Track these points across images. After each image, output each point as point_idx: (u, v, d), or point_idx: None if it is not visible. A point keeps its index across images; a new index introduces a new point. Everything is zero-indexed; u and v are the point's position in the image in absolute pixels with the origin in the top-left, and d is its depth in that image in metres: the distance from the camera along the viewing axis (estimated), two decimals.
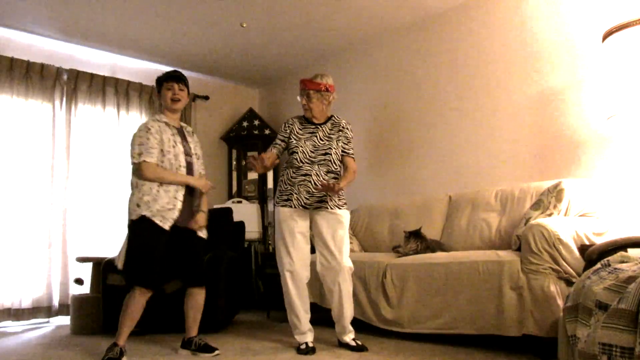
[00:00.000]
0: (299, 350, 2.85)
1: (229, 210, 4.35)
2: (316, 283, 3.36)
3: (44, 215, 4.44)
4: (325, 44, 4.96)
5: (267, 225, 5.65)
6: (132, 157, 2.81)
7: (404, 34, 4.59)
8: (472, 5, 4.05)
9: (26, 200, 4.36)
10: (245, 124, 5.69)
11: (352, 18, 4.40)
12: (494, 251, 2.89)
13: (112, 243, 4.68)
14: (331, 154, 3.02)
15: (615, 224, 2.82)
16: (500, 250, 2.95)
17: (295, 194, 2.98)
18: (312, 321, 3.03)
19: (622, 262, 1.86)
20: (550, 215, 2.78)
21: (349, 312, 2.99)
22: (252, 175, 5.85)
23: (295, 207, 2.97)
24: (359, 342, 2.93)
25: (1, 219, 4.23)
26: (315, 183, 2.97)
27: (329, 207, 2.97)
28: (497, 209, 3.39)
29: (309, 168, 2.99)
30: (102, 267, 3.78)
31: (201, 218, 2.96)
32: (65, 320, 4.31)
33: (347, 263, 2.97)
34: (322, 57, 5.26)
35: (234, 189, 5.83)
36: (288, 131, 3.08)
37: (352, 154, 3.09)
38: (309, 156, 3.00)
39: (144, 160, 2.76)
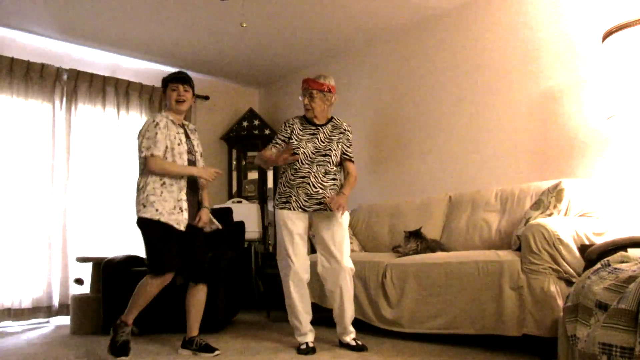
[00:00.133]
0: (299, 350, 2.85)
1: (229, 210, 4.35)
2: (316, 283, 3.36)
3: (44, 215, 4.43)
4: (325, 44, 4.96)
5: (267, 225, 5.66)
6: (140, 150, 2.83)
7: (404, 34, 4.59)
8: (472, 6, 4.05)
9: (26, 200, 4.36)
10: (245, 124, 5.69)
11: (353, 18, 4.39)
12: (494, 251, 2.89)
13: (112, 243, 4.69)
14: (330, 156, 3.02)
15: (615, 224, 2.82)
16: (500, 250, 2.95)
17: (294, 196, 2.98)
18: (313, 321, 3.03)
19: (622, 262, 1.86)
20: (550, 215, 2.78)
21: (350, 313, 2.99)
22: (252, 175, 5.85)
23: (294, 209, 2.98)
24: (360, 342, 2.93)
25: (1, 219, 4.23)
26: (314, 185, 2.97)
27: (328, 208, 2.98)
28: (497, 209, 3.39)
29: (307, 170, 2.99)
30: (102, 268, 3.78)
31: (205, 214, 2.99)
32: (65, 320, 4.31)
33: (348, 264, 2.97)
34: (322, 57, 5.26)
35: (234, 189, 5.83)
36: (289, 131, 3.07)
37: (353, 157, 3.12)
38: (309, 158, 3.00)
39: (152, 154, 2.79)
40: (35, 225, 4.39)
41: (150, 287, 2.77)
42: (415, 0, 4.09)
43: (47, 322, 4.37)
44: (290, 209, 2.98)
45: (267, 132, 5.65)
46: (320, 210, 2.99)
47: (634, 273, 1.64)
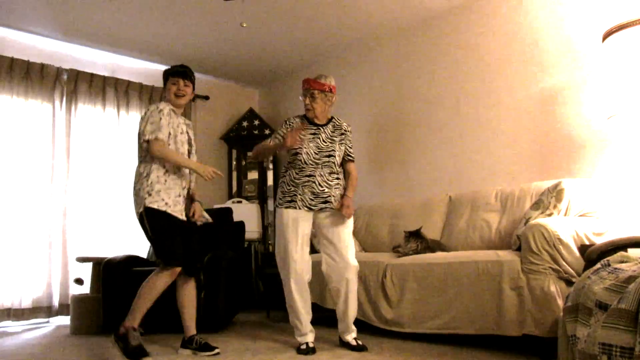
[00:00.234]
0: (299, 350, 2.85)
1: (229, 210, 4.35)
2: (316, 283, 3.36)
3: (44, 215, 4.44)
4: (325, 45, 4.96)
5: (267, 225, 5.66)
6: (144, 134, 2.80)
7: (403, 34, 4.59)
8: (473, 6, 4.05)
9: (26, 200, 4.36)
10: (245, 124, 5.69)
11: (353, 18, 4.40)
12: (494, 251, 2.89)
13: (112, 243, 4.69)
14: (335, 156, 3.03)
15: (615, 224, 2.82)
16: (500, 250, 2.95)
17: (300, 195, 2.96)
18: (313, 321, 3.03)
19: (622, 262, 1.86)
20: (550, 215, 2.78)
21: (353, 310, 2.99)
22: (252, 175, 5.85)
23: (299, 208, 2.96)
24: (360, 342, 2.93)
25: (1, 219, 4.24)
26: (320, 184, 2.97)
27: (333, 207, 2.98)
28: (497, 209, 3.39)
29: (313, 169, 2.98)
30: (102, 268, 3.78)
31: (198, 208, 3.04)
32: (65, 320, 4.31)
33: (353, 262, 2.97)
34: (322, 57, 5.26)
35: (234, 189, 5.83)
36: (290, 130, 3.04)
37: (354, 158, 3.16)
38: (313, 158, 2.99)
39: (156, 137, 2.78)
40: (35, 226, 4.39)
41: (160, 281, 2.74)
42: (415, 1, 4.09)
43: (47, 322, 4.37)
44: (295, 208, 2.96)
45: (267, 132, 5.64)
46: (326, 208, 2.99)
47: (634, 273, 1.64)
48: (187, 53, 5.08)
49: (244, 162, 5.87)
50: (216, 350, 2.85)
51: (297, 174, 2.99)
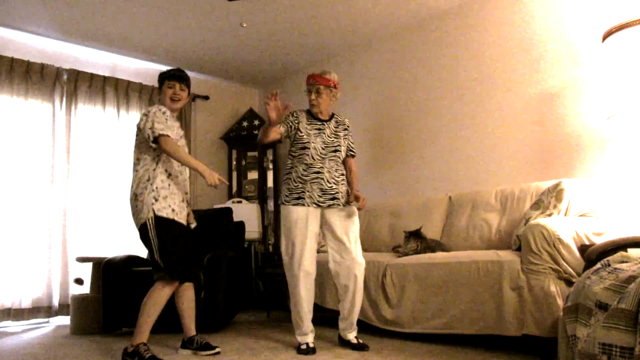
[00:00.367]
0: (300, 350, 2.85)
1: (229, 210, 4.35)
2: (316, 283, 3.35)
3: (44, 216, 4.44)
4: (325, 44, 4.96)
5: (267, 225, 5.66)
6: (152, 131, 2.73)
7: (404, 34, 4.60)
8: (473, 6, 4.05)
9: (26, 201, 4.36)
10: (245, 124, 5.69)
11: (353, 18, 4.40)
12: (494, 251, 2.89)
13: (112, 243, 4.69)
14: (341, 151, 3.05)
15: (615, 224, 2.82)
16: (500, 250, 2.95)
17: (308, 191, 2.95)
18: (312, 321, 3.03)
19: (622, 262, 1.86)
20: (550, 215, 2.78)
21: (358, 308, 3.00)
22: (252, 175, 5.85)
23: (308, 205, 2.94)
24: (361, 341, 2.93)
25: (1, 219, 4.24)
26: (328, 180, 2.98)
27: (341, 203, 2.99)
28: (497, 209, 3.39)
29: (320, 165, 2.98)
30: (102, 268, 3.78)
31: (191, 212, 3.03)
32: (65, 320, 4.31)
33: (361, 259, 2.98)
34: (322, 57, 5.26)
35: (234, 189, 5.83)
36: (296, 122, 3.02)
37: (355, 154, 3.20)
38: (320, 153, 2.99)
39: (167, 135, 2.74)
40: (35, 226, 4.39)
41: (163, 295, 2.71)
42: (415, 1, 4.09)
43: (47, 322, 4.37)
44: (304, 205, 2.94)
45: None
46: (334, 205, 2.99)
47: (634, 273, 1.64)
48: (187, 53, 5.09)
49: (244, 162, 5.87)
50: (217, 350, 2.85)
51: (304, 170, 2.98)
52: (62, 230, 4.51)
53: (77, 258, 4.19)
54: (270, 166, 5.85)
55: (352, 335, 2.97)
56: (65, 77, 4.71)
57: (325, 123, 3.07)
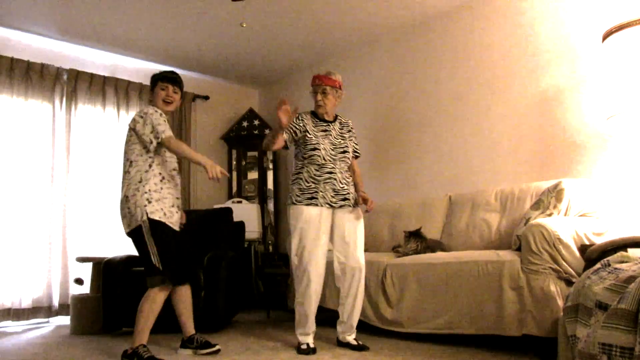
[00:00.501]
0: (300, 350, 2.84)
1: (229, 210, 4.35)
2: None
3: (44, 215, 4.44)
4: (325, 44, 4.96)
5: (267, 225, 5.66)
6: (156, 135, 2.71)
7: (404, 34, 4.60)
8: (473, 6, 4.05)
9: (26, 200, 4.36)
10: (245, 124, 5.69)
11: (353, 18, 4.39)
12: (494, 251, 2.89)
13: (112, 243, 4.69)
14: (349, 152, 3.07)
15: (615, 224, 2.82)
16: (500, 250, 2.95)
17: (321, 191, 2.95)
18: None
19: (622, 262, 1.86)
20: (550, 215, 2.78)
21: (359, 311, 3.00)
22: (252, 175, 5.85)
23: (321, 205, 2.93)
24: (360, 342, 2.93)
25: (1, 218, 4.24)
26: (340, 181, 2.99)
27: (351, 205, 3.00)
28: (497, 209, 3.39)
29: (332, 166, 2.99)
30: (102, 268, 3.78)
31: (184, 214, 3.01)
32: (65, 320, 4.31)
33: (363, 262, 2.99)
34: (322, 57, 5.26)
35: (234, 189, 5.83)
36: (302, 125, 3.01)
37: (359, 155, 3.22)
38: (330, 154, 2.99)
39: (171, 135, 2.74)
40: (35, 226, 4.39)
41: (158, 299, 2.70)
42: (415, 1, 4.09)
43: (47, 322, 4.37)
44: (317, 205, 2.93)
45: (267, 132, 5.64)
46: (345, 206, 3.00)
47: (634, 273, 1.64)
48: (187, 53, 5.09)
49: (244, 162, 5.87)
50: (216, 347, 2.84)
51: (316, 170, 2.97)
52: (62, 230, 4.51)
53: (77, 258, 4.19)
54: (270, 166, 5.86)
55: (351, 338, 2.97)
56: (65, 77, 4.71)
57: (330, 124, 3.08)
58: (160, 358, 2.63)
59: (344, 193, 3.00)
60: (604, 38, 2.75)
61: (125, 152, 2.83)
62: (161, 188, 2.77)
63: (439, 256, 3.11)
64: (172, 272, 2.71)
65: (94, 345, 3.24)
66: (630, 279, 1.61)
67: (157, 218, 2.70)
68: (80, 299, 3.85)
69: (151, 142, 2.74)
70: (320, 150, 2.97)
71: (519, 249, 2.70)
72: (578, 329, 1.73)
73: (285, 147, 3.02)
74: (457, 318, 2.82)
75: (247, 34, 4.67)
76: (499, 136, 3.80)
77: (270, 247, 5.60)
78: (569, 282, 2.50)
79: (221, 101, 5.92)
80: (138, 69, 5.23)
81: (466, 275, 2.81)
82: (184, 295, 2.93)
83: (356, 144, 3.17)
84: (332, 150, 3.00)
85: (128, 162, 2.80)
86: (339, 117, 3.15)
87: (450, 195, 3.87)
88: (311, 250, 2.88)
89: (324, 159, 2.97)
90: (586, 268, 2.13)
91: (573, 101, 3.37)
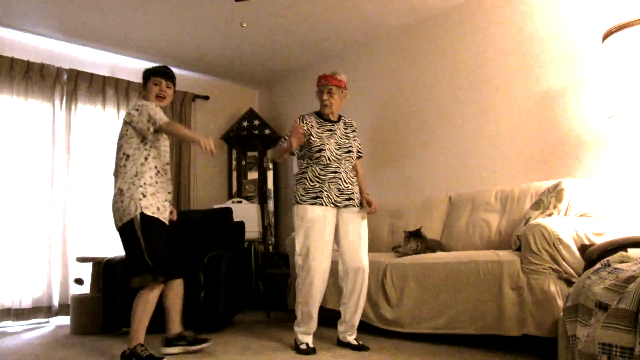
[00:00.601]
0: (300, 350, 2.84)
1: (229, 210, 4.35)
2: None
3: (44, 215, 4.44)
4: (325, 44, 4.96)
5: (267, 225, 5.66)
6: (153, 122, 2.68)
7: (403, 34, 4.59)
8: (472, 6, 4.05)
9: (26, 200, 4.36)
10: (245, 124, 5.69)
11: (352, 18, 4.39)
12: (494, 251, 2.89)
13: (112, 243, 4.68)
14: (353, 152, 3.08)
15: (615, 224, 2.82)
16: (500, 250, 2.95)
17: (326, 191, 2.95)
18: None
19: (622, 262, 1.86)
20: (550, 215, 2.78)
21: (361, 311, 3.00)
22: (252, 175, 5.85)
23: (326, 204, 2.93)
24: (361, 342, 2.93)
25: (1, 218, 4.24)
26: (345, 180, 3.00)
27: (356, 204, 3.00)
28: (497, 209, 3.39)
29: (337, 165, 3.00)
30: (102, 268, 3.78)
31: (174, 210, 2.99)
32: (65, 320, 4.31)
33: (366, 262, 2.99)
34: (322, 57, 5.26)
35: (234, 189, 5.83)
36: (306, 129, 3.00)
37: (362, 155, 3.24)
38: (335, 154, 3.00)
39: (167, 120, 2.72)
40: (35, 225, 4.39)
41: (152, 297, 2.67)
42: (415, 1, 4.09)
43: (47, 322, 4.37)
44: (322, 205, 2.93)
45: (267, 132, 5.65)
46: (349, 206, 3.00)
47: (634, 273, 1.64)
48: (187, 53, 5.09)
49: (244, 162, 5.87)
50: (208, 343, 2.80)
51: (321, 169, 2.98)
52: (62, 230, 4.51)
53: (77, 258, 4.19)
54: (270, 166, 5.85)
55: (352, 338, 2.97)
56: (65, 77, 4.71)
57: (335, 124, 3.09)
58: (159, 356, 2.62)
59: (349, 193, 3.00)
60: (604, 38, 2.75)
61: (122, 147, 2.80)
62: (156, 182, 2.76)
63: (439, 256, 3.11)
64: (163, 268, 2.67)
65: (94, 345, 3.24)
66: (630, 279, 1.61)
67: (150, 214, 2.67)
68: (80, 299, 3.85)
69: (149, 129, 2.69)
70: (325, 151, 2.97)
71: (519, 249, 2.70)
72: (578, 329, 1.73)
73: (292, 153, 3.09)
74: (457, 318, 2.82)
75: (247, 34, 4.67)
76: (499, 136, 3.80)
77: (270, 247, 5.60)
78: (569, 282, 2.50)
79: (221, 101, 5.92)
80: (138, 69, 5.17)
81: (466, 275, 2.81)
82: (176, 290, 2.86)
83: (359, 144, 3.17)
84: (337, 150, 3.01)
85: (124, 156, 2.78)
86: (342, 118, 3.16)
87: (450, 195, 3.87)
88: (315, 250, 2.87)
89: (329, 159, 2.98)
90: (586, 268, 2.13)
91: (573, 101, 3.37)
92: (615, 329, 1.48)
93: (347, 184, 3.01)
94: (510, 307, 2.59)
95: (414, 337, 3.07)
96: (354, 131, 3.15)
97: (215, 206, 4.88)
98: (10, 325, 4.16)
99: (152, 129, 2.71)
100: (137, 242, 2.65)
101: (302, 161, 3.07)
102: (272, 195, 5.82)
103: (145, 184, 2.71)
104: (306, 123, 3.02)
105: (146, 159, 2.76)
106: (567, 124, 3.39)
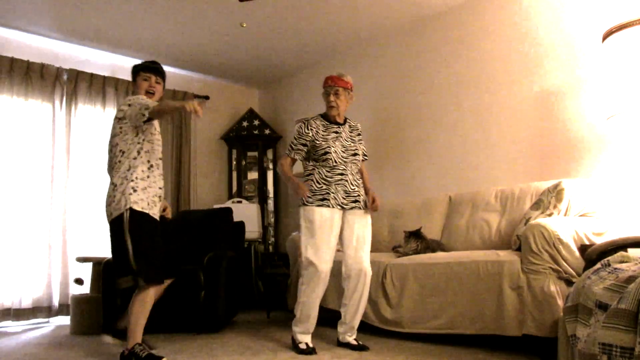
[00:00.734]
0: (300, 350, 2.84)
1: (229, 210, 4.35)
2: None
3: (44, 216, 4.43)
4: (325, 44, 4.96)
5: (267, 225, 5.66)
6: (146, 107, 2.62)
7: (404, 34, 4.59)
8: (473, 5, 4.05)
9: (26, 200, 4.36)
10: (245, 124, 5.69)
11: (352, 19, 4.39)
12: (494, 251, 2.89)
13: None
14: (359, 155, 3.08)
15: (615, 224, 2.82)
16: (500, 250, 2.95)
17: (332, 193, 2.95)
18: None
19: (622, 262, 1.86)
20: (550, 215, 2.78)
21: (362, 312, 3.00)
22: (252, 175, 5.86)
23: (332, 206, 2.93)
24: (361, 342, 2.93)
25: (1, 219, 4.24)
26: (351, 182, 3.00)
27: (361, 207, 3.00)
28: (497, 209, 3.39)
29: (343, 167, 3.00)
30: (102, 268, 3.78)
31: (168, 207, 2.97)
32: (65, 320, 4.31)
33: (369, 264, 3.00)
34: (322, 57, 5.26)
35: (234, 189, 5.83)
36: (311, 134, 3.00)
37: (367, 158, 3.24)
38: (342, 156, 3.00)
39: (155, 103, 2.68)
40: (36, 226, 4.39)
41: (148, 298, 2.64)
42: (415, 1, 4.09)
43: (47, 322, 4.37)
44: (329, 207, 2.93)
45: (267, 132, 5.65)
46: (355, 208, 3.00)
47: (634, 273, 1.64)
48: (187, 53, 5.09)
49: (244, 162, 5.87)
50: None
51: (328, 172, 2.97)
52: (62, 230, 4.51)
53: (77, 258, 4.19)
54: (270, 166, 5.86)
55: (351, 338, 2.97)
56: (65, 77, 4.70)
57: (341, 127, 3.09)
58: (158, 355, 2.62)
59: (355, 195, 3.00)
60: (604, 38, 2.75)
61: (117, 144, 2.79)
62: (147, 176, 2.74)
63: (439, 256, 3.11)
64: (148, 272, 2.61)
65: (94, 345, 3.24)
66: (630, 279, 1.61)
67: (139, 209, 2.65)
68: (80, 299, 3.85)
69: (143, 116, 2.64)
70: (331, 153, 2.97)
71: (519, 249, 2.70)
72: (578, 329, 1.73)
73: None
74: (457, 318, 2.82)
75: (247, 34, 4.67)
76: (499, 136, 3.80)
77: (270, 247, 5.60)
78: (569, 282, 2.50)
79: (221, 101, 5.92)
80: None
81: (466, 275, 2.81)
82: (157, 289, 2.76)
83: (364, 147, 3.18)
84: (344, 152, 3.01)
85: (120, 153, 2.77)
86: (348, 120, 3.17)
87: (450, 195, 3.87)
88: (321, 251, 2.87)
89: (335, 161, 2.97)
90: (586, 268, 2.13)
91: (573, 101, 3.37)
92: (615, 329, 1.48)
93: (353, 186, 3.01)
94: (511, 307, 2.59)
95: (414, 337, 3.07)
96: (359, 134, 3.16)
97: (215, 206, 4.89)
98: (10, 325, 4.16)
99: (147, 115, 2.64)
100: (124, 242, 2.63)
101: (308, 162, 3.07)
102: (272, 195, 5.82)
103: (137, 178, 2.69)
104: (310, 129, 3.02)
105: (139, 152, 2.75)
106: (567, 124, 3.39)
